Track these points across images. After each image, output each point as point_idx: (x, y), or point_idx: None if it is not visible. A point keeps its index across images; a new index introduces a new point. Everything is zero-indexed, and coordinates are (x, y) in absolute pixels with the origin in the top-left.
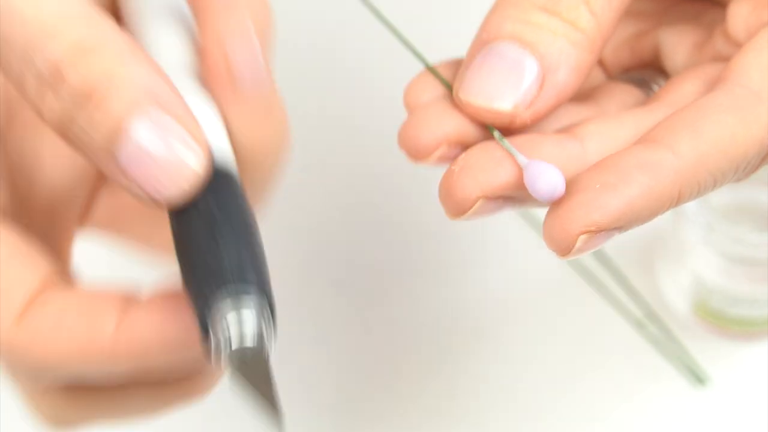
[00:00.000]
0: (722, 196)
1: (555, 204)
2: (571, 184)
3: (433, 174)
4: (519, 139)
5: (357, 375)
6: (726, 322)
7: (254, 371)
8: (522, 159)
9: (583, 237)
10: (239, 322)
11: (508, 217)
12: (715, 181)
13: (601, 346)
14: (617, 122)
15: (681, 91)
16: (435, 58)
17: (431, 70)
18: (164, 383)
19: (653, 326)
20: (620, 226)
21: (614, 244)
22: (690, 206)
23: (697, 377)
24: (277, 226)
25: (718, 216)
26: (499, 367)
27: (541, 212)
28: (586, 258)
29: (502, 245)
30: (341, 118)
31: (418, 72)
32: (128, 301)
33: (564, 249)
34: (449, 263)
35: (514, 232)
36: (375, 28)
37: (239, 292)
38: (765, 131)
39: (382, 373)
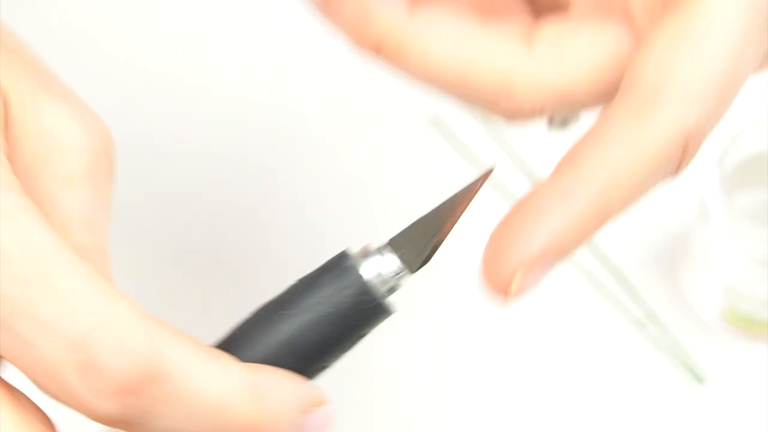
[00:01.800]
0: (746, 198)
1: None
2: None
3: (439, 180)
4: None
5: (357, 375)
6: (757, 326)
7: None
8: None
9: (517, 276)
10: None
11: None
12: (645, 186)
13: (601, 346)
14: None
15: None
16: None
17: None
18: None
19: (653, 326)
20: (561, 251)
21: (636, 249)
22: (714, 209)
23: (696, 376)
24: (277, 225)
25: (743, 218)
26: (498, 367)
27: None
28: (586, 258)
29: None
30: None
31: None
32: None
33: (499, 288)
34: (448, 265)
35: None
36: None
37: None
38: (669, 132)
39: (383, 373)
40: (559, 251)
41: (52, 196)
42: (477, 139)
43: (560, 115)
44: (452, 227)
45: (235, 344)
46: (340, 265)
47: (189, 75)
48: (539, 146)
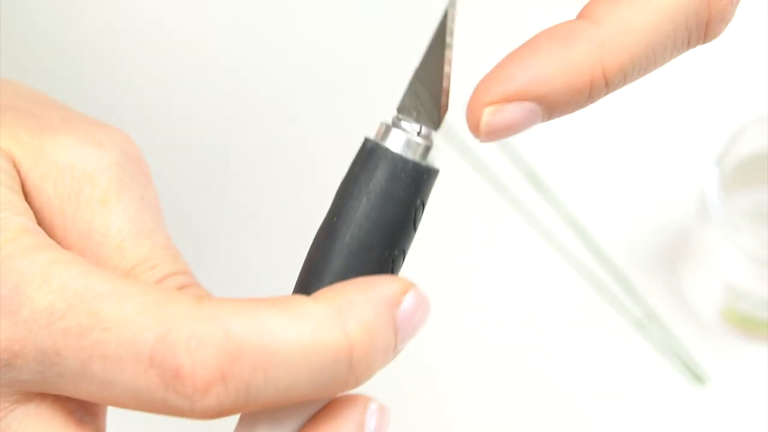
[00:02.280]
0: (746, 198)
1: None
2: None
3: (439, 179)
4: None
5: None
6: (757, 326)
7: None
8: None
9: (488, 110)
10: None
11: (508, 218)
12: (651, 42)
13: (601, 346)
14: None
15: None
16: None
17: None
18: None
19: (653, 326)
20: (533, 96)
21: (636, 249)
22: (714, 209)
23: (697, 376)
24: (280, 225)
25: (743, 218)
26: (498, 367)
27: (543, 214)
28: (586, 258)
29: (502, 246)
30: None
31: None
32: None
33: (473, 125)
34: (449, 264)
35: (514, 233)
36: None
37: None
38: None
39: (384, 373)
40: (535, 95)
41: (95, 224)
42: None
43: None
44: (450, 66)
45: (310, 275)
46: (366, 151)
47: (187, 76)
48: (539, 146)
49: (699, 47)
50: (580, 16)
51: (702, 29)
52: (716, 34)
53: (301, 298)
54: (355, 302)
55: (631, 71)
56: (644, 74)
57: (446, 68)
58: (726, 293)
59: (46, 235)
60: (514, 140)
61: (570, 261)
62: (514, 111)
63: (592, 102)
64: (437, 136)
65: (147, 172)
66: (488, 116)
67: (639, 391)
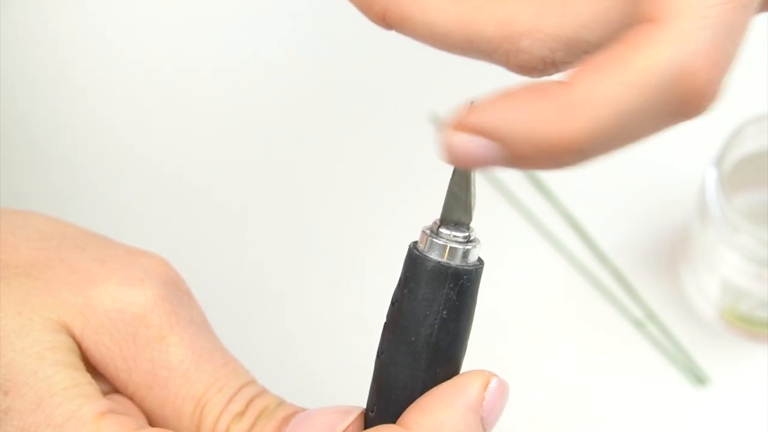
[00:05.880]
0: (745, 198)
1: None
2: None
3: (439, 179)
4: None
5: (358, 377)
6: (757, 326)
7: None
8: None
9: (458, 135)
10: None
11: (508, 217)
12: (622, 114)
13: (602, 346)
14: None
15: None
16: None
17: None
18: None
19: (653, 326)
20: (497, 135)
21: (636, 249)
22: (714, 209)
23: (697, 377)
24: (282, 224)
25: (742, 218)
26: (498, 367)
27: (543, 214)
28: (587, 258)
29: (503, 246)
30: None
31: None
32: None
33: (445, 147)
34: None
35: (514, 232)
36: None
37: None
38: (656, 61)
39: None
40: (494, 134)
41: (157, 361)
42: None
43: None
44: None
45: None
46: (410, 260)
47: (184, 77)
48: None
49: None
50: (562, 80)
51: (684, 105)
52: (699, 112)
53: (393, 429)
54: (446, 422)
55: (604, 140)
56: (627, 144)
57: (472, 174)
58: (726, 293)
59: (115, 405)
60: None
61: (570, 261)
62: (469, 141)
63: (569, 164)
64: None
65: (188, 291)
66: (458, 139)
67: (639, 391)
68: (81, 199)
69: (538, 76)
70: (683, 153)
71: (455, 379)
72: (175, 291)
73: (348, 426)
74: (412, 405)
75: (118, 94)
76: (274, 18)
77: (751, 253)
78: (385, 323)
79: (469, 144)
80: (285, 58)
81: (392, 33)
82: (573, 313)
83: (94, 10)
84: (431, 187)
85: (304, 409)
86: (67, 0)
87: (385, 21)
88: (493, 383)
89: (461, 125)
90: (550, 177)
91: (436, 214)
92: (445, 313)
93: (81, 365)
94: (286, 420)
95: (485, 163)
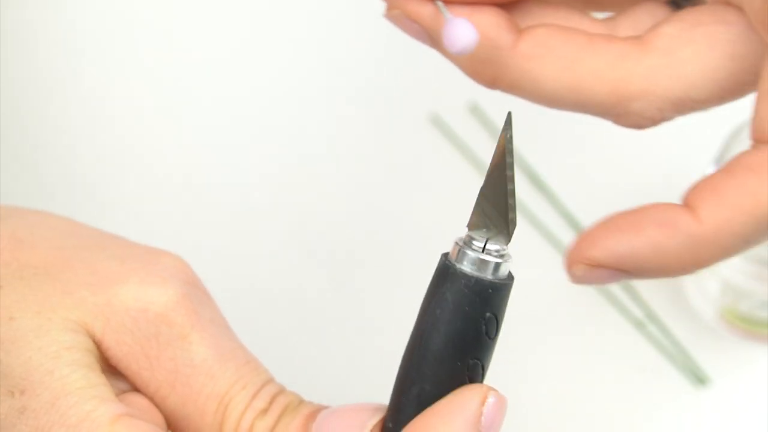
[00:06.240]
0: None
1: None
2: (602, 220)
3: (439, 179)
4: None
5: (359, 377)
6: (757, 326)
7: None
8: (447, 15)
9: (581, 267)
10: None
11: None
12: (747, 242)
13: (602, 345)
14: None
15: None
16: None
17: None
18: None
19: (653, 326)
20: (622, 269)
21: None
22: None
23: (697, 377)
24: (283, 223)
25: None
26: (498, 367)
27: (543, 214)
28: None
29: None
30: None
31: None
32: None
33: (568, 273)
34: None
35: (515, 234)
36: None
37: None
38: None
39: (386, 374)
40: (626, 269)
41: (180, 359)
42: (477, 138)
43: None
44: (513, 183)
45: (398, 384)
46: (439, 270)
47: (184, 80)
48: (539, 146)
49: None
50: (685, 202)
51: None
52: None
53: None
54: (449, 420)
55: (722, 260)
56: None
57: (510, 186)
58: (726, 293)
59: (130, 408)
60: (515, 141)
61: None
62: (603, 274)
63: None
64: (509, 248)
65: (206, 291)
66: (581, 271)
67: (639, 391)
68: (81, 199)
69: (643, 129)
70: (683, 153)
71: (453, 394)
72: (195, 290)
73: (377, 422)
74: (412, 422)
75: (118, 94)
76: (275, 19)
77: (751, 253)
78: (411, 334)
79: (600, 275)
80: (286, 59)
81: (392, 33)
82: (573, 313)
83: (94, 10)
84: (431, 187)
85: (326, 407)
86: (67, 0)
87: (495, 86)
88: (491, 398)
89: (585, 259)
90: (550, 177)
91: (437, 214)
92: (473, 327)
93: (97, 366)
94: (311, 416)
95: (613, 282)
